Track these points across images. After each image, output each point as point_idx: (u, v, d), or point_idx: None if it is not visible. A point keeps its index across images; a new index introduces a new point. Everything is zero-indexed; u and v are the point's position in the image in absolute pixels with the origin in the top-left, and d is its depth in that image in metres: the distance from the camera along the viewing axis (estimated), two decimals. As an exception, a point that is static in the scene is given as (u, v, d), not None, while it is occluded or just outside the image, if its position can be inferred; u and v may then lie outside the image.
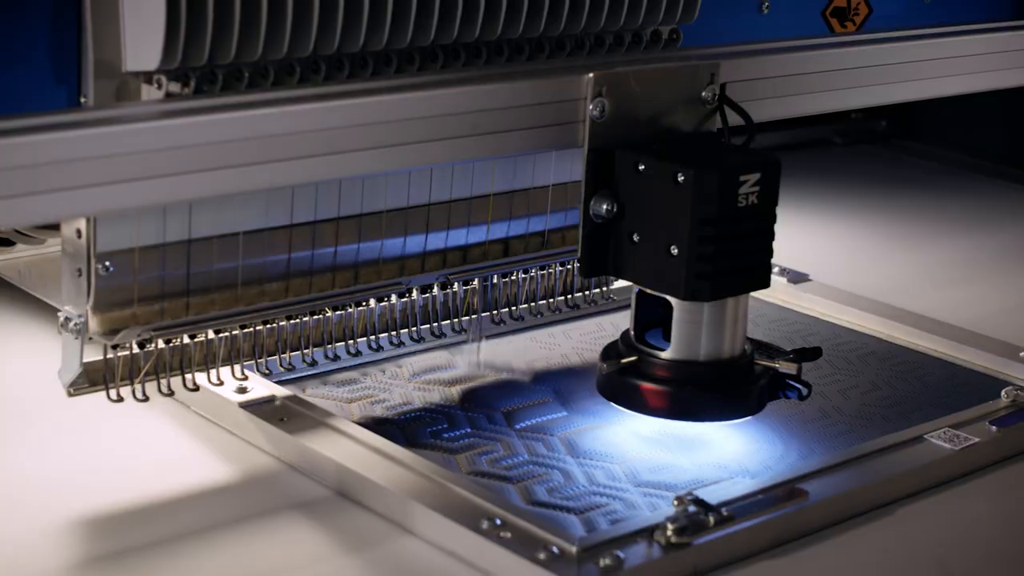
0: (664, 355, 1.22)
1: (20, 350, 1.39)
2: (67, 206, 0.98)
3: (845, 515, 1.16)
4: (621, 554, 1.04)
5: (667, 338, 1.22)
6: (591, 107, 1.18)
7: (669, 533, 1.06)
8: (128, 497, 1.13)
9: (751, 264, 1.20)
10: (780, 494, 1.14)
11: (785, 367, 1.24)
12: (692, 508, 1.08)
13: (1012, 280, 1.74)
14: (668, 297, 1.20)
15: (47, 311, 1.39)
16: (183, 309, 1.16)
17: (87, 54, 1.11)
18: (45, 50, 1.11)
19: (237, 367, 1.22)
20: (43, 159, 0.94)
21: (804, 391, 1.23)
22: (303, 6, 1.13)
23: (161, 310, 1.15)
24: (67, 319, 1.12)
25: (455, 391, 1.32)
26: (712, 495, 1.11)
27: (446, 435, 1.24)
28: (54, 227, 1.27)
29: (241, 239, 1.18)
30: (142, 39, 1.09)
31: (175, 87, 1.11)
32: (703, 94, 1.24)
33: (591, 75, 1.17)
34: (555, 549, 1.04)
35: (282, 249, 1.20)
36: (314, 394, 1.28)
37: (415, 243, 1.27)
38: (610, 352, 1.26)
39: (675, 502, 1.09)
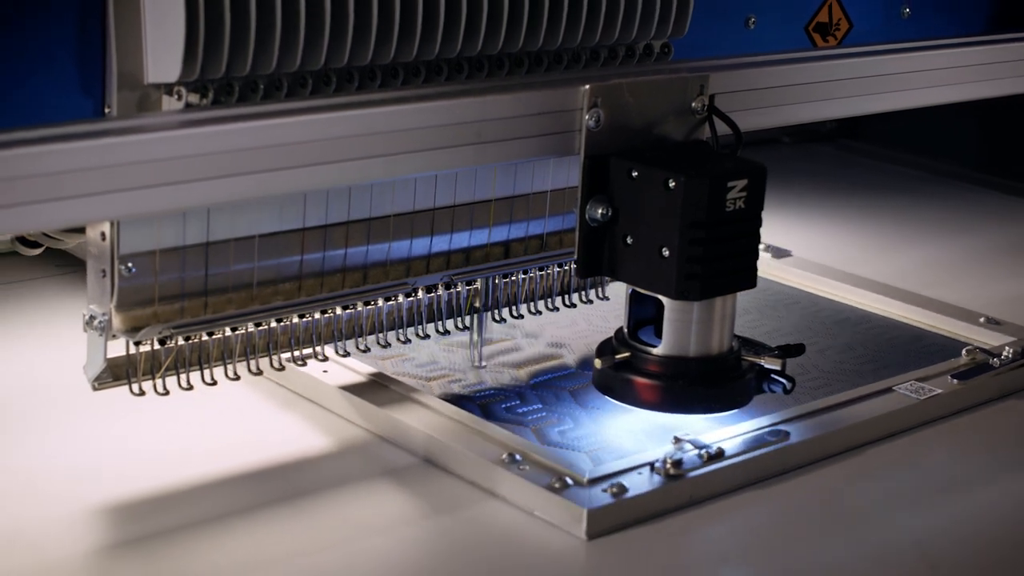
0: (656, 351, 1.22)
1: (53, 344, 1.40)
2: (92, 210, 0.98)
3: (821, 455, 1.24)
4: (626, 483, 1.12)
5: (659, 335, 1.22)
6: (587, 117, 1.18)
7: (668, 466, 1.14)
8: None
9: (738, 265, 1.20)
10: (765, 435, 1.22)
11: (770, 363, 1.24)
12: (688, 446, 1.18)
13: (968, 280, 1.74)
14: (660, 296, 1.21)
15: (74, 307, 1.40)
16: (201, 308, 1.16)
17: (111, 67, 1.11)
18: (72, 64, 1.11)
19: (252, 362, 1.22)
20: (70, 166, 0.95)
21: (788, 385, 1.24)
22: (315, 22, 1.13)
23: (181, 309, 1.15)
24: (92, 317, 1.13)
25: (475, 355, 1.38)
26: (706, 436, 1.20)
27: (464, 387, 1.32)
28: (79, 230, 1.28)
29: (257, 242, 1.18)
30: (163, 53, 1.09)
31: (194, 98, 1.11)
32: (693, 104, 1.24)
33: (587, 87, 1.18)
34: (568, 480, 1.12)
35: (295, 251, 1.20)
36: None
37: (421, 245, 1.27)
38: (604, 349, 1.26)
39: (673, 441, 1.18)
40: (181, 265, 1.14)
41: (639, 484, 1.13)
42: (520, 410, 1.28)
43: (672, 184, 1.16)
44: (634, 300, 1.24)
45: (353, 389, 1.26)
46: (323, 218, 1.21)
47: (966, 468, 1.26)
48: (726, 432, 1.21)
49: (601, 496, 1.11)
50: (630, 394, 1.23)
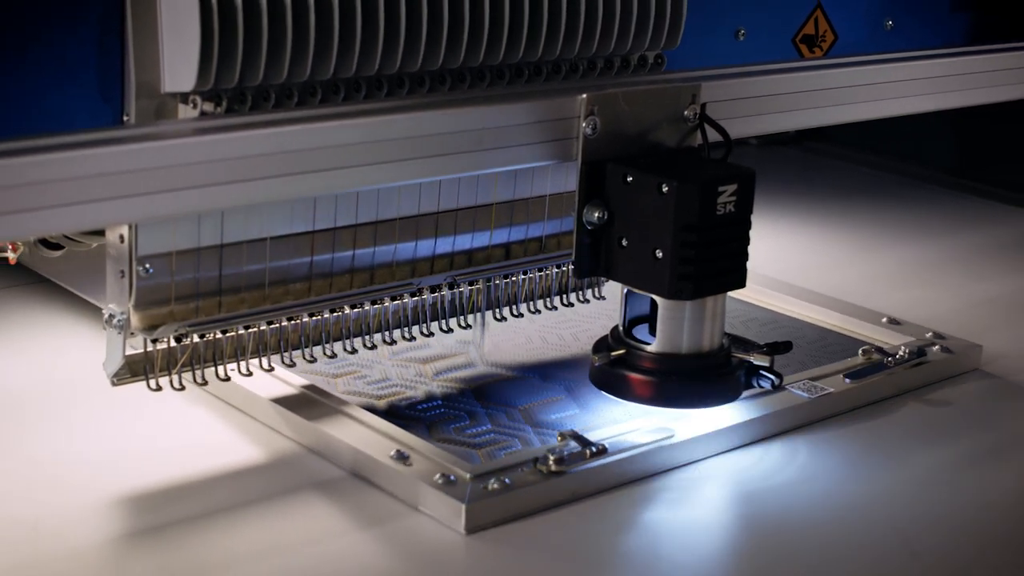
0: (650, 348, 1.23)
1: (72, 342, 1.40)
2: (112, 214, 0.98)
3: (708, 452, 1.21)
4: (508, 480, 1.10)
5: (652, 333, 1.23)
6: (584, 124, 1.19)
7: (550, 463, 1.12)
8: (164, 478, 1.14)
9: (729, 266, 1.21)
10: (650, 432, 1.19)
11: (758, 359, 1.25)
12: (572, 442, 1.15)
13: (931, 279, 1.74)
14: (654, 296, 1.21)
15: (93, 307, 1.40)
16: (216, 307, 1.17)
17: (129, 77, 1.11)
18: (92, 74, 1.12)
19: (264, 359, 1.22)
20: (91, 171, 0.95)
21: (776, 381, 1.24)
22: (324, 35, 1.14)
23: (196, 308, 1.16)
24: (111, 316, 1.13)
25: (384, 350, 1.37)
26: (591, 433, 1.17)
27: (368, 383, 1.31)
28: (99, 233, 1.28)
29: (268, 244, 1.18)
30: (179, 63, 1.10)
31: (209, 106, 1.12)
32: (685, 113, 1.24)
33: (584, 96, 1.18)
34: (452, 476, 1.10)
35: (305, 253, 1.21)
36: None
37: (425, 247, 1.28)
38: (601, 346, 1.26)
39: (559, 438, 1.16)
40: (196, 266, 1.15)
41: (521, 479, 1.10)
42: (421, 406, 1.27)
43: (665, 189, 1.16)
44: (629, 299, 1.24)
45: (280, 401, 1.23)
46: (332, 221, 1.21)
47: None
48: (613, 429, 1.19)
49: (481, 491, 1.08)
50: (625, 390, 1.23)
